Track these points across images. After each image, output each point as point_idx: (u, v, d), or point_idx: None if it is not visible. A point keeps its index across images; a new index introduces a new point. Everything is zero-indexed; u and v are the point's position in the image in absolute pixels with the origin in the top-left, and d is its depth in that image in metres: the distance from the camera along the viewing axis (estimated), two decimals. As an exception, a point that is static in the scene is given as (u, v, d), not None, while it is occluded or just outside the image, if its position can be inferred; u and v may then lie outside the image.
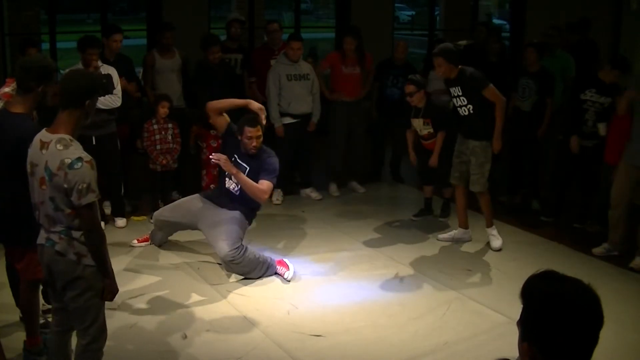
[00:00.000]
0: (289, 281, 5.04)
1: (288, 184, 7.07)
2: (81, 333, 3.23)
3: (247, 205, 5.16)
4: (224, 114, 5.26)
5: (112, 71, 5.80)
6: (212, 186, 6.01)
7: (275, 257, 5.24)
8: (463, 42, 8.26)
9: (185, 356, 3.99)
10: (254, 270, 5.02)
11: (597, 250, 5.64)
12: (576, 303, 1.61)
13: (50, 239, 3.09)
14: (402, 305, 4.70)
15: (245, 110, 5.27)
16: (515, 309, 1.74)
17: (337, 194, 7.18)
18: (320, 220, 6.43)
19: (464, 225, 5.92)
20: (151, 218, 5.84)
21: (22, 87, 3.61)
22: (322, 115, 6.99)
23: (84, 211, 2.98)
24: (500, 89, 5.58)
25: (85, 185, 2.93)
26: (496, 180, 5.90)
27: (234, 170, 4.98)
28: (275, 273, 5.11)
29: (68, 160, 2.93)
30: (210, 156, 5.11)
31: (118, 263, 5.01)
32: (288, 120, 6.77)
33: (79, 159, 2.94)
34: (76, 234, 3.05)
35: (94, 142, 5.54)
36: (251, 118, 5.10)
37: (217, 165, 5.20)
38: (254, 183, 4.99)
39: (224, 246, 4.91)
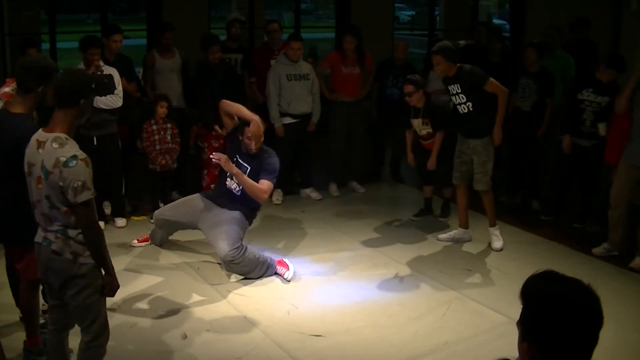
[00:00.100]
0: (289, 281, 5.04)
1: (288, 184, 7.07)
2: (83, 331, 3.25)
3: (247, 206, 5.16)
4: (235, 117, 5.26)
5: (114, 71, 5.80)
6: (212, 186, 6.01)
7: (275, 257, 5.24)
8: (462, 42, 8.27)
9: (185, 356, 3.99)
10: (254, 270, 5.02)
11: (597, 250, 5.64)
12: (576, 303, 1.61)
13: (47, 238, 3.11)
14: (402, 305, 4.70)
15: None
16: (515, 309, 1.74)
17: (337, 194, 7.17)
18: (320, 220, 6.43)
19: (465, 225, 5.92)
20: (151, 218, 5.85)
21: (22, 87, 3.62)
22: (322, 115, 6.99)
23: (80, 209, 3.00)
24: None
25: (80, 183, 2.95)
26: (496, 180, 5.89)
27: (235, 170, 4.99)
28: (275, 273, 5.11)
29: (63, 159, 2.95)
30: (211, 155, 5.12)
31: (118, 263, 4.98)
32: (288, 120, 6.76)
33: (74, 157, 2.96)
34: (72, 233, 3.07)
35: (95, 142, 5.58)
36: (251, 118, 5.10)
37: (218, 165, 5.20)
38: (254, 183, 4.99)
39: (224, 246, 4.91)
